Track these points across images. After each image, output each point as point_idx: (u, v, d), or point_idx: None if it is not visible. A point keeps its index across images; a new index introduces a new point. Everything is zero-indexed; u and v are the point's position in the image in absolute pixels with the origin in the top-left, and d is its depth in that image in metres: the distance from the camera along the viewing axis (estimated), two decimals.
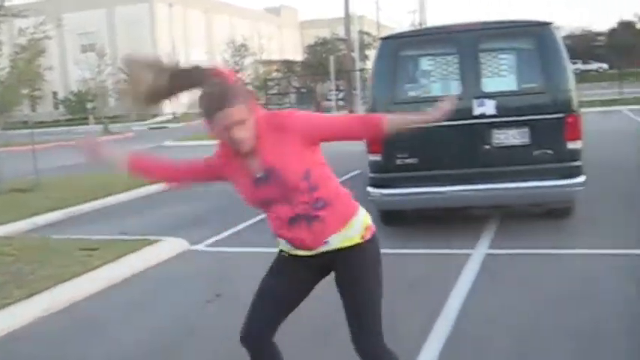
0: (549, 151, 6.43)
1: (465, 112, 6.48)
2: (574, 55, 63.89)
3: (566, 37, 71.08)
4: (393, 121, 2.73)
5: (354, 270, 2.82)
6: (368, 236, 2.84)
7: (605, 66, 59.79)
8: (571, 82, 6.53)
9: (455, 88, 6.66)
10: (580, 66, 61.59)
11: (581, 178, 6.47)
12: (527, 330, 4.34)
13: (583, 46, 68.33)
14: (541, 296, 4.99)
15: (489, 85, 6.62)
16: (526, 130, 6.48)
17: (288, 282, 2.92)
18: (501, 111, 6.48)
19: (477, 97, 6.52)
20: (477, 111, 6.49)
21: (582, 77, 47.97)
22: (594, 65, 61.85)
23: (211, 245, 7.41)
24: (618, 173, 9.88)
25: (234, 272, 6.27)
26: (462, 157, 6.61)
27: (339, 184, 2.87)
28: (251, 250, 6.90)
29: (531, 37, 6.67)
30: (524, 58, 6.78)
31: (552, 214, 7.13)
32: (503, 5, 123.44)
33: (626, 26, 60.50)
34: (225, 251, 7.14)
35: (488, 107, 6.49)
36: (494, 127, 6.51)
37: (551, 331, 4.29)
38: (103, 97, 42.37)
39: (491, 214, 7.43)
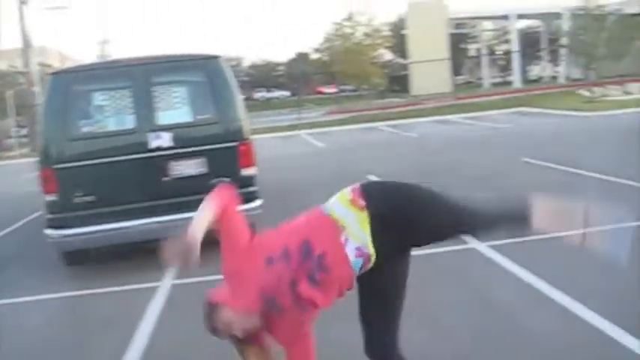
0: (226, 179, 6.68)
1: (141, 146, 6.52)
2: (259, 84, 67.26)
3: (250, 67, 74.95)
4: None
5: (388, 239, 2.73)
6: (361, 202, 2.71)
7: (286, 93, 63.96)
8: (241, 111, 6.89)
9: (130, 122, 6.66)
10: (265, 94, 65.26)
11: (258, 203, 6.84)
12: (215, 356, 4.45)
13: (266, 75, 72.53)
14: None
15: (164, 117, 6.72)
16: (203, 159, 6.69)
17: (375, 285, 2.86)
18: (178, 142, 6.62)
19: (153, 131, 6.58)
20: (153, 144, 6.55)
21: (267, 105, 50.99)
22: (277, 93, 65.94)
23: None
24: (294, 194, 10.59)
25: None
26: (142, 191, 6.60)
27: (288, 224, 2.87)
28: None
29: (201, 70, 6.92)
30: (196, 91, 7.02)
31: None
32: (190, 40, 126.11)
33: (303, 57, 65.39)
34: None
35: (165, 140, 6.58)
36: (171, 158, 6.61)
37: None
38: None
39: None
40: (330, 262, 2.64)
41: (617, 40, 32.82)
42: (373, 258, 2.70)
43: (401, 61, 59.45)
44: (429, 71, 43.47)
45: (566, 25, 41.41)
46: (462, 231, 2.97)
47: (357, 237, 2.66)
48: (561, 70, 51.54)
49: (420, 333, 4.31)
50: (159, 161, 6.59)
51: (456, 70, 57.36)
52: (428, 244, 2.88)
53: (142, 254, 7.44)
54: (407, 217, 2.71)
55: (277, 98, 62.15)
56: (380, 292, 2.89)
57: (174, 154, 6.61)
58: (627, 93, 30.21)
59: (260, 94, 64.49)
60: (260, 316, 2.72)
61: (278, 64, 75.78)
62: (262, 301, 2.68)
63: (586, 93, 29.52)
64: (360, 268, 2.72)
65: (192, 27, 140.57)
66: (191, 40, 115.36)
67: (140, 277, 6.52)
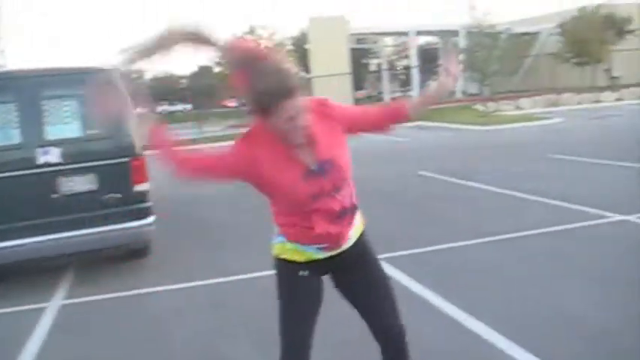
0: (118, 195, 6.52)
1: (28, 162, 6.28)
2: (161, 97, 65.95)
3: (152, 80, 73.68)
4: (414, 105, 2.65)
5: (367, 257, 2.83)
6: (363, 220, 2.86)
7: (189, 107, 63.11)
8: (133, 126, 6.73)
9: (16, 136, 6.41)
10: (167, 107, 64.21)
11: (151, 219, 6.71)
12: None
13: (168, 88, 71.45)
14: (121, 339, 5.03)
15: (53, 132, 6.48)
16: (94, 175, 6.49)
17: (312, 300, 2.82)
18: (68, 158, 6.40)
19: (41, 146, 6.35)
20: (41, 160, 6.32)
21: (170, 118, 50.09)
22: (180, 106, 64.98)
23: None
24: (196, 209, 10.48)
25: None
26: (30, 208, 6.33)
27: None
28: None
29: (92, 82, 6.71)
30: (87, 104, 6.80)
31: (133, 255, 7.25)
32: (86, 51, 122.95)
33: (206, 70, 64.74)
34: None
35: (53, 155, 6.36)
36: (61, 175, 6.39)
37: None
38: None
39: (68, 263, 7.25)
40: (348, 213, 2.65)
41: (507, 57, 34.20)
42: (333, 252, 2.71)
43: (303, 75, 59.89)
44: (331, 86, 43.86)
45: (462, 42, 42.82)
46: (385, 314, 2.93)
47: (355, 231, 2.75)
48: (458, 85, 53.24)
49: None
50: (48, 177, 6.35)
51: (358, 85, 58.35)
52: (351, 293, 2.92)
53: (30, 274, 7.17)
54: (372, 260, 2.86)
55: (181, 111, 61.22)
56: (311, 301, 2.87)
57: (65, 170, 6.39)
58: (518, 108, 31.61)
59: (163, 107, 63.43)
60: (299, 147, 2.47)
61: (181, 77, 74.87)
62: (324, 159, 2.49)
63: (481, 108, 30.61)
64: (321, 248, 2.68)
65: (94, 38, 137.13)
66: (90, 51, 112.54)
67: (27, 297, 6.26)
